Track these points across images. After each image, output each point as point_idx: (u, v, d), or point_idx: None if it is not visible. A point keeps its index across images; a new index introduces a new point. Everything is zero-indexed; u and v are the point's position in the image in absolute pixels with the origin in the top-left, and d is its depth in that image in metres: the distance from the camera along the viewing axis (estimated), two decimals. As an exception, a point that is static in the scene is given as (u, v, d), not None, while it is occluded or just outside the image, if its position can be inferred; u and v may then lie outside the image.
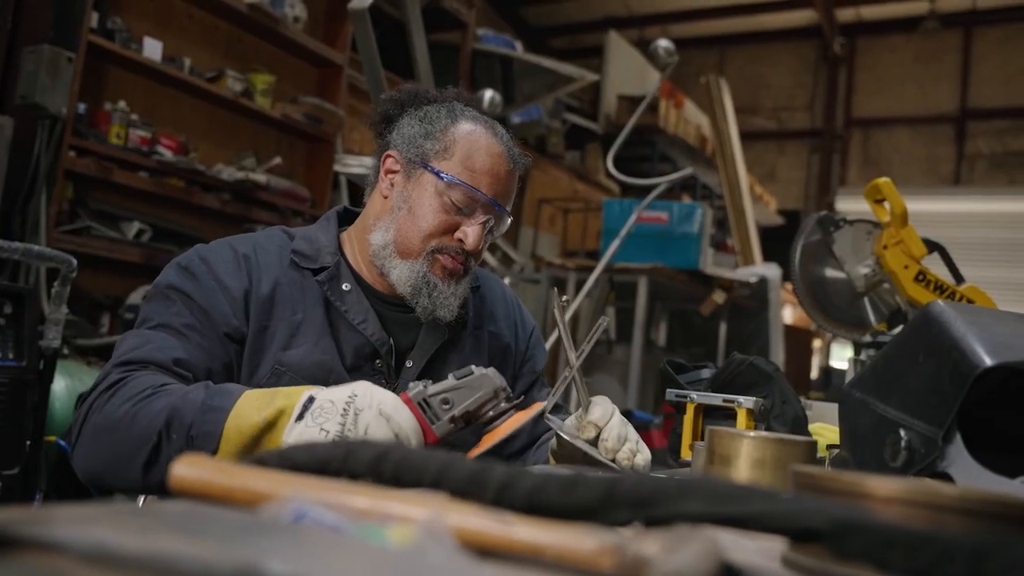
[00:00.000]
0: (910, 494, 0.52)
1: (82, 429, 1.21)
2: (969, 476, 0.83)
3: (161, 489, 1.16)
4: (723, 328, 6.19)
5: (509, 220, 1.50)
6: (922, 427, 0.87)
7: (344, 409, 1.07)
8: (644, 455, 1.30)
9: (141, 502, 1.14)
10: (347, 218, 1.58)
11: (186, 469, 0.50)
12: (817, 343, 9.09)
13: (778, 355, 5.98)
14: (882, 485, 0.53)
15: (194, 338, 1.29)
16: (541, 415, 1.27)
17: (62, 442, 2.51)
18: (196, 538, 0.39)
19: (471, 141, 1.44)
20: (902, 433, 0.88)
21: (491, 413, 1.21)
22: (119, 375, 1.22)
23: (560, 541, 0.45)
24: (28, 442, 2.28)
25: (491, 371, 1.21)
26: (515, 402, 1.24)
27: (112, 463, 1.18)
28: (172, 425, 1.13)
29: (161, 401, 1.15)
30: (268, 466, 0.54)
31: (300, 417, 1.08)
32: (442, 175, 1.41)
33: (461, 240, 1.42)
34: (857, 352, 2.65)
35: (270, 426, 1.10)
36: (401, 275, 1.42)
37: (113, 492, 1.32)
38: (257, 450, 1.10)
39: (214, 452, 1.11)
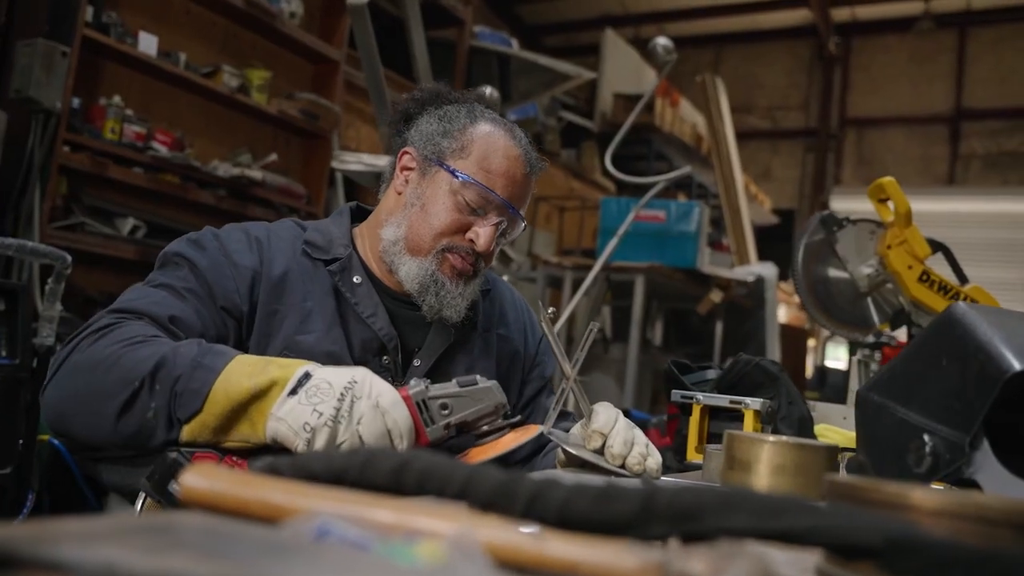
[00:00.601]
0: (959, 507, 0.49)
1: (60, 366, 1.16)
2: (997, 483, 0.81)
3: (127, 443, 1.11)
4: (719, 327, 6.16)
5: (523, 225, 1.49)
6: (947, 432, 0.85)
7: (342, 394, 1.05)
8: (655, 458, 1.27)
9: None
10: (360, 216, 1.57)
11: (198, 480, 0.47)
12: (811, 342, 9.08)
13: (775, 354, 5.97)
14: (928, 497, 0.51)
15: (193, 302, 1.27)
16: (533, 440, 1.24)
17: (55, 441, 2.47)
18: (213, 558, 0.37)
19: (489, 142, 1.42)
20: (926, 439, 0.86)
21: (486, 428, 1.19)
22: (111, 319, 1.19)
23: (598, 558, 0.42)
24: (21, 441, 2.25)
25: (494, 384, 1.19)
26: (511, 420, 1.21)
27: (85, 403, 1.12)
28: (158, 374, 1.08)
29: (151, 348, 1.11)
30: (283, 475, 0.51)
31: (294, 392, 1.05)
32: (457, 174, 1.40)
33: (472, 240, 1.40)
34: (853, 351, 2.64)
35: (261, 394, 1.06)
36: (409, 272, 1.41)
37: (75, 443, 1.28)
38: (243, 417, 1.07)
39: (197, 413, 1.07)
